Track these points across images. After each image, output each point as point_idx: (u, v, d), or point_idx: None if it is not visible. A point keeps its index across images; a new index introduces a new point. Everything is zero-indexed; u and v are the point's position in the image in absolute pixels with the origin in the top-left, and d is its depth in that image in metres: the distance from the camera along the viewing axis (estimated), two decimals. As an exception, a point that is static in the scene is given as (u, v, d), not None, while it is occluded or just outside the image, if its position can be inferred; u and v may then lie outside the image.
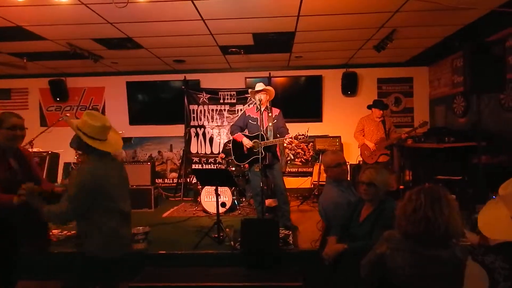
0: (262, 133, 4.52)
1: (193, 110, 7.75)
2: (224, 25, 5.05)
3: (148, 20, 4.81)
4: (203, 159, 7.68)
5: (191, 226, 5.15)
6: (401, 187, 6.62)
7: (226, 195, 5.73)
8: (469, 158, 5.28)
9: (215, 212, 4.51)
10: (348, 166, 4.49)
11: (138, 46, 5.99)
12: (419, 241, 1.83)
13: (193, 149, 7.74)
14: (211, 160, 7.60)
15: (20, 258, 2.88)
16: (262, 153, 4.42)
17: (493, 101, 5.46)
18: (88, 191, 2.35)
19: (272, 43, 5.98)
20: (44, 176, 4.87)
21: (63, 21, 4.75)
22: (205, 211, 5.90)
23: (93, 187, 2.36)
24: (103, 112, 8.08)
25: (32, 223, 2.82)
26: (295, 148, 7.78)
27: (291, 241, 4.30)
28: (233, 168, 6.24)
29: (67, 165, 7.12)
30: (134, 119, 8.09)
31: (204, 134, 7.74)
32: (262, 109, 4.64)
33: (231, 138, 5.12)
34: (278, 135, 4.76)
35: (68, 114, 7.51)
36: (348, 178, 3.73)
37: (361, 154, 6.39)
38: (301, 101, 7.67)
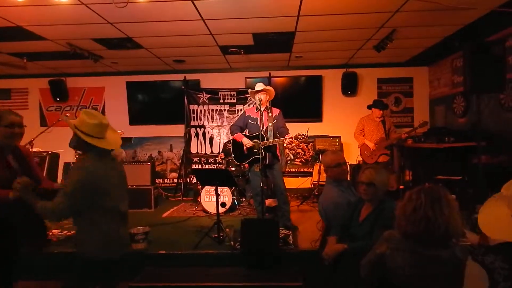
0: (262, 133, 4.52)
1: (193, 110, 7.75)
2: (224, 25, 5.05)
3: (148, 20, 4.81)
4: (203, 159, 7.69)
5: (191, 226, 5.15)
6: (401, 187, 6.62)
7: (226, 195, 5.73)
8: (469, 158, 5.28)
9: (215, 212, 4.51)
10: (348, 166, 4.49)
11: (138, 46, 6.00)
12: (419, 241, 1.83)
13: (193, 149, 7.74)
14: (211, 160, 7.60)
15: (20, 258, 2.88)
16: (262, 153, 4.42)
17: (493, 101, 5.46)
18: (85, 189, 2.33)
19: (272, 43, 5.98)
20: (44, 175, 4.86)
21: (63, 21, 4.75)
22: (205, 211, 5.90)
23: (90, 185, 2.34)
24: (103, 112, 8.07)
25: (32, 223, 2.82)
26: (295, 148, 7.78)
27: (291, 241, 4.30)
28: (233, 168, 6.24)
29: (67, 165, 7.12)
30: (134, 119, 8.09)
31: (204, 134, 7.75)
32: (262, 109, 4.64)
33: (231, 138, 5.12)
34: (278, 135, 4.76)
35: (68, 114, 7.50)
36: (348, 178, 3.73)
37: (361, 154, 6.39)
38: (301, 101, 7.67)
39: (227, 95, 7.68)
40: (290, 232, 4.56)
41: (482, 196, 2.10)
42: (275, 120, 4.80)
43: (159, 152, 8.17)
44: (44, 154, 5.62)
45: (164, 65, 7.44)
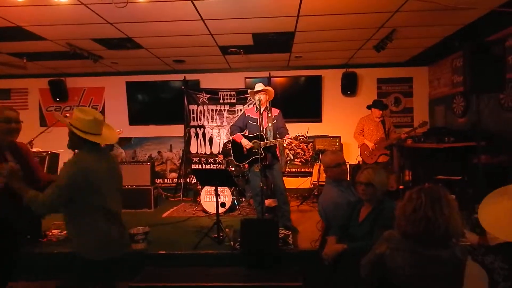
0: (261, 133, 4.52)
1: (193, 110, 7.75)
2: (223, 25, 5.05)
3: (148, 20, 4.80)
4: (202, 159, 7.68)
5: (191, 226, 5.15)
6: (401, 187, 6.61)
7: (226, 195, 5.72)
8: (469, 158, 5.28)
9: (215, 212, 4.51)
10: (348, 166, 4.49)
11: (138, 46, 5.99)
12: (419, 241, 1.83)
13: (193, 149, 7.74)
14: (211, 160, 7.60)
15: (20, 258, 2.88)
16: (261, 154, 4.42)
17: (492, 101, 5.46)
18: (77, 182, 2.30)
19: (271, 43, 5.98)
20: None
21: (63, 21, 4.75)
22: (204, 211, 5.90)
23: (82, 179, 2.31)
24: (102, 112, 8.08)
25: (27, 221, 2.80)
26: (295, 148, 7.79)
27: (291, 241, 4.30)
28: (233, 168, 6.24)
29: (67, 165, 7.11)
30: (134, 119, 8.08)
31: (203, 134, 7.75)
32: (262, 110, 4.64)
33: (230, 138, 5.11)
34: (277, 136, 4.75)
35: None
36: (348, 178, 3.73)
37: (360, 154, 6.40)
38: (301, 101, 7.67)
39: (227, 95, 7.68)
40: (290, 232, 4.56)
41: (482, 196, 2.09)
42: (275, 121, 4.80)
43: (158, 152, 8.17)
44: (44, 154, 5.61)
45: (164, 65, 7.44)
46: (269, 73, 7.77)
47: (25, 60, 6.59)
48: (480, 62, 4.20)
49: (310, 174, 7.57)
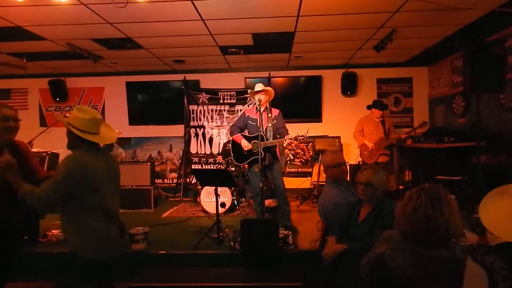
0: (261, 133, 4.52)
1: (193, 110, 7.75)
2: (223, 25, 5.05)
3: (147, 20, 4.80)
4: (202, 159, 7.68)
5: (190, 226, 5.15)
6: (401, 187, 6.62)
7: (226, 195, 5.72)
8: (468, 158, 5.28)
9: (215, 212, 4.50)
10: (348, 166, 4.49)
11: (138, 46, 5.99)
12: (419, 241, 1.83)
13: (193, 149, 7.74)
14: (211, 160, 7.59)
15: (20, 258, 2.87)
16: (261, 154, 4.42)
17: (492, 101, 5.46)
18: (74, 178, 2.28)
19: (271, 43, 5.98)
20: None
21: (63, 21, 4.75)
22: (204, 211, 5.90)
23: (79, 175, 2.29)
24: (102, 112, 8.09)
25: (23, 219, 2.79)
26: (295, 148, 7.79)
27: (290, 241, 4.30)
28: (233, 168, 6.24)
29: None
30: (134, 119, 8.08)
31: (203, 134, 7.75)
32: (262, 110, 4.63)
33: (230, 138, 5.11)
34: (277, 136, 4.75)
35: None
36: (348, 179, 3.73)
37: (360, 155, 6.40)
38: (301, 102, 7.67)
39: (227, 95, 7.68)
40: (290, 232, 4.56)
41: (482, 196, 2.10)
42: (275, 121, 4.80)
43: (158, 152, 8.17)
44: (44, 154, 5.61)
45: (163, 65, 7.44)
46: (269, 73, 7.78)
47: (25, 60, 6.59)
48: (480, 62, 4.20)
49: (310, 174, 7.57)
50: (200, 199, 5.97)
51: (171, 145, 8.16)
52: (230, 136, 5.04)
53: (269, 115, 4.80)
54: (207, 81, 8.00)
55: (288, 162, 7.75)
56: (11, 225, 2.66)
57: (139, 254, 4.04)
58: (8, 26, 4.82)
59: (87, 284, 2.45)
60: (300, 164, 7.82)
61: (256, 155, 4.52)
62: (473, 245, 3.15)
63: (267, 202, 5.49)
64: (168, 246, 4.26)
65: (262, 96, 4.71)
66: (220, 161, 6.54)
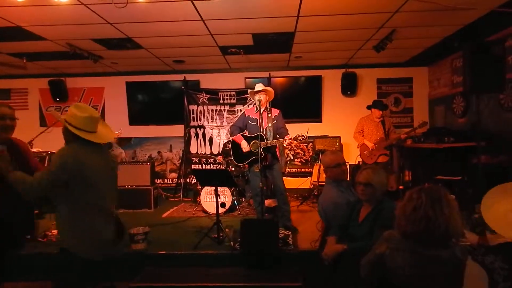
0: (261, 133, 4.52)
1: (193, 110, 7.75)
2: (223, 26, 5.05)
3: (147, 21, 4.80)
4: (202, 159, 7.68)
5: (190, 227, 5.15)
6: (401, 187, 6.62)
7: (226, 195, 5.72)
8: (468, 158, 5.28)
9: (215, 212, 4.50)
10: (348, 166, 4.48)
11: (138, 46, 5.99)
12: (419, 241, 1.83)
13: (193, 150, 7.74)
14: (211, 160, 7.60)
15: (20, 258, 2.87)
16: (261, 154, 4.42)
17: (492, 101, 5.46)
18: (67, 168, 2.27)
19: (271, 44, 5.98)
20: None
21: (63, 21, 4.75)
22: (204, 211, 5.90)
23: (73, 166, 2.28)
24: (102, 112, 8.10)
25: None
26: (295, 148, 7.79)
27: (290, 241, 4.30)
28: (233, 169, 6.24)
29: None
30: (134, 119, 8.08)
31: (203, 135, 7.75)
32: (262, 110, 4.63)
33: (230, 138, 5.11)
34: (277, 136, 4.75)
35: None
36: (348, 179, 3.73)
37: (360, 155, 6.39)
38: (301, 102, 7.67)
39: (227, 95, 7.68)
40: (290, 233, 4.56)
41: (482, 196, 2.10)
42: (275, 121, 4.80)
43: (158, 152, 8.17)
44: (44, 154, 5.61)
45: (163, 65, 7.44)
46: (269, 73, 7.77)
47: (25, 60, 6.59)
48: (480, 62, 4.20)
49: (310, 174, 7.57)
50: (200, 199, 5.97)
51: (171, 145, 8.16)
52: (230, 136, 5.04)
53: (269, 115, 4.80)
54: (207, 81, 8.00)
55: (288, 162, 7.75)
56: (10, 225, 2.65)
57: (139, 254, 4.04)
58: (8, 26, 4.82)
59: (84, 283, 2.43)
60: (300, 164, 7.82)
61: (256, 155, 4.52)
62: (473, 245, 3.15)
63: (267, 202, 5.50)
64: (168, 246, 4.26)
65: (262, 96, 4.71)
66: (221, 161, 6.54)
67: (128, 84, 7.98)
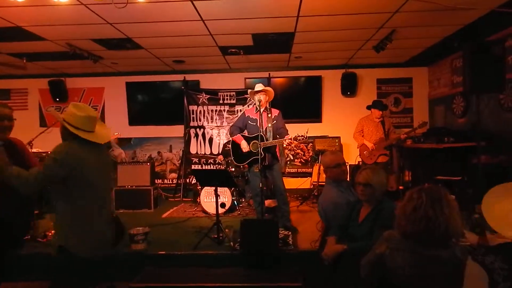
0: (261, 134, 4.52)
1: (193, 110, 7.75)
2: (223, 26, 5.05)
3: (147, 21, 4.80)
4: (202, 159, 7.68)
5: (190, 227, 5.15)
6: (401, 187, 6.62)
7: (226, 195, 5.73)
8: (468, 158, 5.28)
9: (215, 212, 4.50)
10: (348, 166, 4.48)
11: (138, 46, 5.99)
12: (419, 241, 1.83)
13: (193, 150, 7.74)
14: (211, 160, 7.60)
15: (19, 258, 2.87)
16: (261, 154, 4.42)
17: (492, 101, 5.46)
18: (63, 164, 2.26)
19: (271, 44, 5.98)
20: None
21: (63, 21, 4.75)
22: (204, 211, 5.90)
23: (69, 162, 2.27)
24: (102, 113, 8.10)
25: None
26: (295, 148, 7.78)
27: (290, 242, 4.30)
28: (233, 169, 6.24)
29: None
30: (134, 120, 8.08)
31: (203, 135, 7.75)
32: (262, 110, 4.64)
33: (230, 139, 5.11)
34: (277, 136, 4.75)
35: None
36: (348, 179, 3.73)
37: (360, 155, 6.39)
38: (301, 102, 7.67)
39: (227, 95, 7.68)
40: (290, 233, 4.57)
41: (482, 197, 2.10)
42: (275, 121, 4.80)
43: (158, 152, 8.16)
44: (44, 154, 5.60)
45: (163, 65, 7.44)
46: (269, 74, 7.77)
47: (25, 61, 6.60)
48: (480, 62, 4.20)
49: (310, 174, 7.57)
50: (200, 199, 5.97)
51: (171, 146, 8.16)
52: (230, 136, 5.04)
53: (269, 115, 4.80)
54: (207, 81, 8.00)
55: (288, 163, 7.75)
56: (10, 225, 2.65)
57: (139, 254, 4.04)
58: (8, 26, 4.82)
59: (84, 283, 2.42)
60: (300, 164, 7.81)
61: (256, 155, 4.52)
62: (473, 245, 3.15)
63: (267, 202, 5.50)
64: (168, 246, 4.26)
65: (262, 96, 4.71)
66: (221, 161, 6.53)
67: (128, 84, 7.98)
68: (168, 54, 6.63)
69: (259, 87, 4.81)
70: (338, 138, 7.22)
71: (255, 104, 4.82)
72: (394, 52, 6.61)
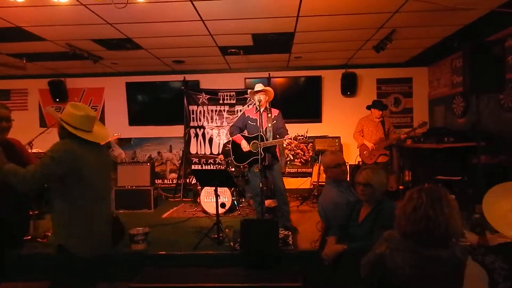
0: (261, 134, 4.52)
1: (193, 110, 7.75)
2: (223, 26, 5.05)
3: (147, 21, 4.80)
4: (202, 159, 7.68)
5: (190, 227, 5.15)
6: (401, 187, 6.62)
7: (226, 195, 5.73)
8: (468, 158, 5.28)
9: (215, 212, 4.51)
10: (348, 166, 4.48)
11: (138, 46, 5.99)
12: (419, 241, 1.83)
13: (193, 150, 7.74)
14: (211, 160, 7.60)
15: (19, 258, 2.86)
16: (261, 154, 4.42)
17: (492, 101, 5.46)
18: (61, 161, 2.24)
19: (271, 44, 5.98)
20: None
21: (63, 21, 4.75)
22: (204, 211, 5.90)
23: (67, 159, 2.26)
24: (102, 113, 8.10)
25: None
26: (295, 148, 7.79)
27: (290, 242, 4.30)
28: (233, 169, 6.24)
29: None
30: (134, 120, 8.08)
31: (203, 135, 7.75)
32: (262, 110, 4.64)
33: (230, 139, 5.11)
34: (277, 136, 4.75)
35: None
36: (348, 179, 3.73)
37: (360, 155, 6.39)
38: (301, 102, 7.67)
39: (227, 95, 7.68)
40: (290, 233, 4.56)
41: (481, 196, 2.10)
42: (275, 121, 4.80)
43: (158, 152, 8.16)
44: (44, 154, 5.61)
45: (163, 65, 7.44)
46: (269, 74, 7.77)
47: (24, 61, 6.60)
48: (480, 62, 4.20)
49: (310, 174, 7.57)
50: (200, 199, 5.97)
51: (171, 146, 8.16)
52: (230, 136, 5.04)
53: (269, 115, 4.80)
54: (207, 81, 8.00)
55: (288, 163, 7.75)
56: (10, 225, 2.65)
57: (139, 254, 4.04)
58: (8, 26, 4.82)
59: (83, 283, 2.42)
60: (300, 164, 7.81)
61: (256, 155, 4.52)
62: (473, 245, 3.15)
63: (267, 202, 5.49)
64: (168, 246, 4.26)
65: (261, 96, 4.71)
66: (221, 160, 6.53)
67: (128, 85, 7.98)
68: (168, 54, 6.63)
69: (259, 87, 4.81)
70: (338, 138, 7.22)
71: (255, 104, 4.82)
72: (394, 52, 6.61)
